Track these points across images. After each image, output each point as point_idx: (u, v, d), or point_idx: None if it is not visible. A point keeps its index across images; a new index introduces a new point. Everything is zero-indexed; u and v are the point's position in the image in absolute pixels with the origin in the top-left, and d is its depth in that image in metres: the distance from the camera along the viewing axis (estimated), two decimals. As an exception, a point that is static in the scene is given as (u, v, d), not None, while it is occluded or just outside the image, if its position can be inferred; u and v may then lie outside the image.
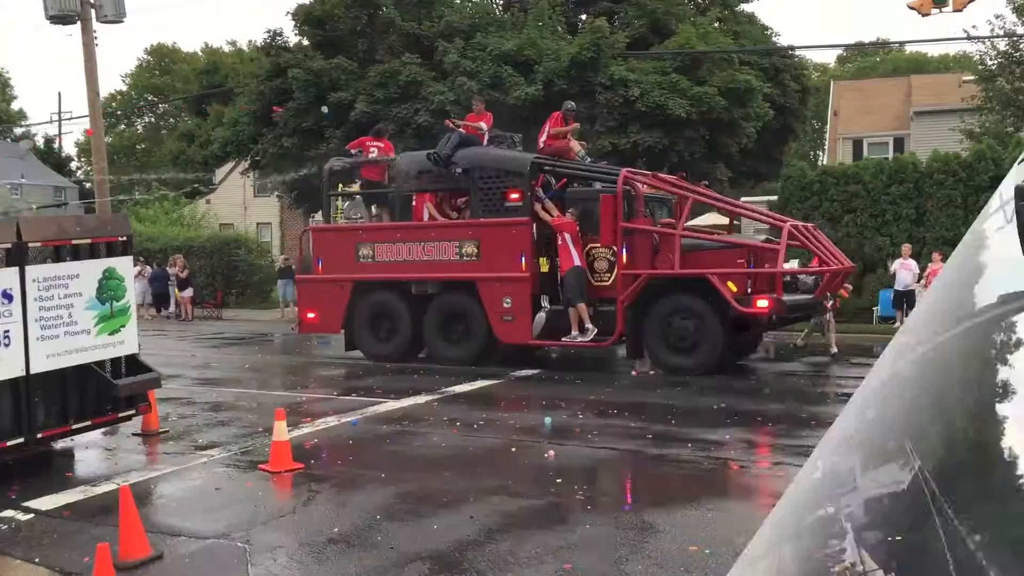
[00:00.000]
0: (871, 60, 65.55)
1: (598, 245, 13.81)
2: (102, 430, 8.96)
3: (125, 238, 8.48)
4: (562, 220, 13.84)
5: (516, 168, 14.35)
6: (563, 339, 13.96)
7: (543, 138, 15.30)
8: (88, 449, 8.99)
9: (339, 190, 16.78)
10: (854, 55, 66.84)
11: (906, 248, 19.12)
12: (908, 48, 59.62)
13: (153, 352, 16.20)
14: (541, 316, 14.23)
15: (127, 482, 7.22)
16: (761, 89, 23.62)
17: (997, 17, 26.53)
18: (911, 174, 20.57)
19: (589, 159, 15.73)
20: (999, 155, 19.98)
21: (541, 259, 14.30)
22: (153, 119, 67.99)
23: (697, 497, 6.82)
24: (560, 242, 13.75)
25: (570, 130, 15.52)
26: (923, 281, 19.22)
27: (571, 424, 9.74)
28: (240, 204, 45.68)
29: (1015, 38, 25.89)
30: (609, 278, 13.73)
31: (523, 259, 13.94)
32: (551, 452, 8.28)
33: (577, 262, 13.61)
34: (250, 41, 50.86)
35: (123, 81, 67.86)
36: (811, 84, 34.09)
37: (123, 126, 67.55)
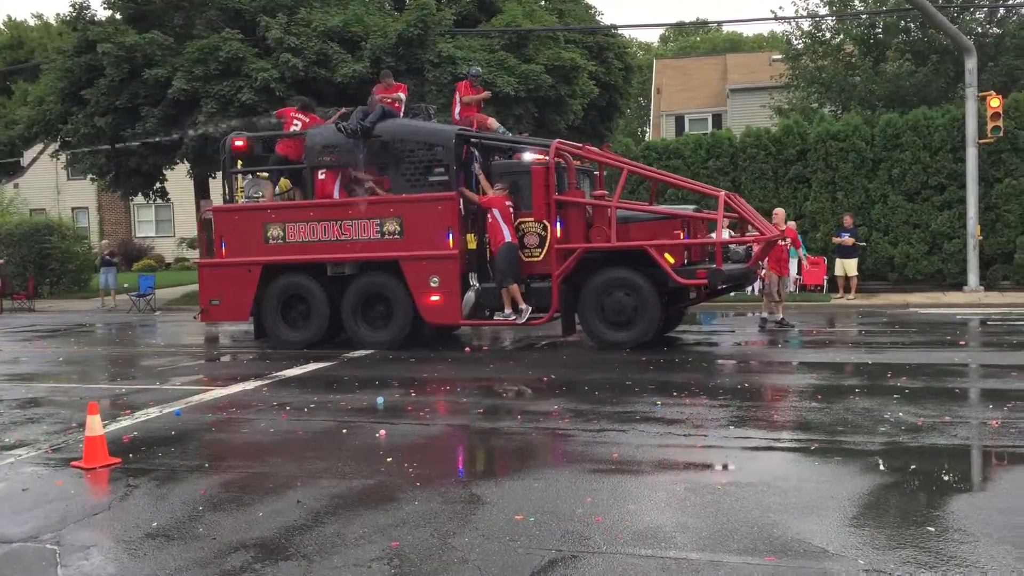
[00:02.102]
0: (692, 40, 68.22)
1: (529, 219, 13.36)
2: None
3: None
4: (490, 197, 13.30)
5: (440, 140, 13.75)
6: (496, 317, 13.53)
7: (456, 109, 14.76)
8: None
9: (240, 167, 15.53)
10: (676, 34, 69.38)
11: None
12: (726, 28, 62.55)
13: (-46, 349, 15.15)
14: (470, 295, 13.61)
15: (-79, 489, 6.72)
16: (586, 67, 24.19)
17: (802, -1, 28.24)
18: (727, 149, 21.65)
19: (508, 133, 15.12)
20: (805, 130, 21.29)
21: (469, 235, 13.72)
22: (-51, 97, 62.70)
23: (524, 467, 6.98)
24: (490, 219, 13.25)
25: (482, 98, 15.12)
26: (739, 250, 20.29)
27: (404, 403, 9.74)
28: (52, 188, 42.98)
29: (817, 18, 27.58)
30: (540, 253, 13.32)
31: (450, 236, 13.40)
32: (382, 431, 8.26)
33: (509, 238, 13.15)
34: (58, 14, 47.71)
35: (-88, 56, 62.07)
36: (635, 62, 35.17)
37: (-85, 104, 61.96)
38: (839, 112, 26.43)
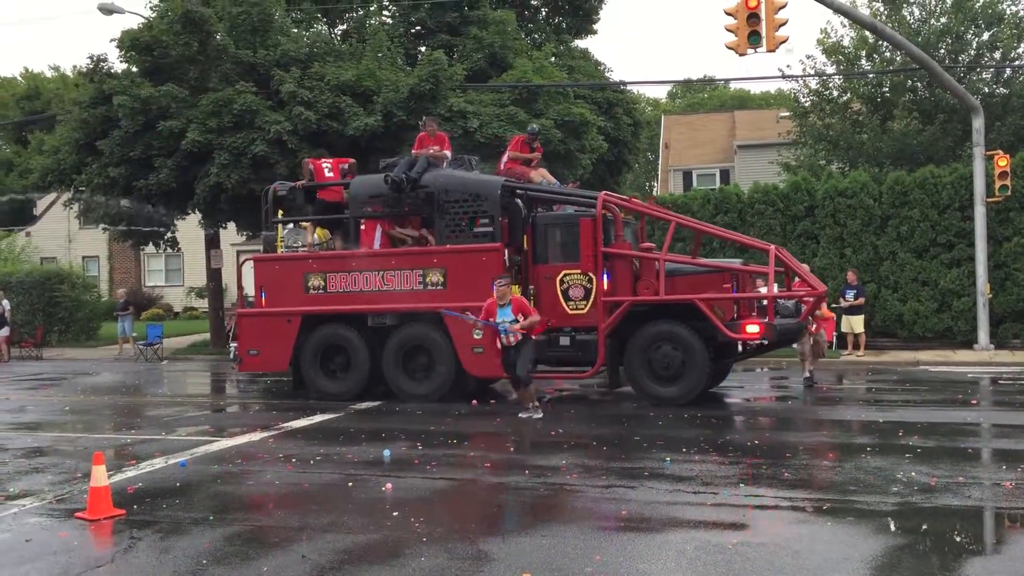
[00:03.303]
0: (699, 96, 68.87)
1: (575, 272, 13.27)
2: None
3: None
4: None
5: (485, 191, 13.74)
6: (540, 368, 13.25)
7: (503, 160, 14.80)
8: None
9: (282, 216, 15.46)
10: (683, 91, 70.07)
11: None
12: (733, 85, 63.19)
13: (-39, 396, 15.13)
14: None
15: (-76, 539, 6.67)
16: (595, 122, 24.41)
17: (808, 57, 28.53)
18: (735, 204, 21.72)
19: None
20: (812, 186, 21.36)
21: (514, 287, 13.44)
22: (-34, 146, 63.41)
23: (532, 523, 6.90)
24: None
25: (531, 158, 15.03)
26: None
27: (410, 456, 9.67)
28: (64, 237, 43.31)
29: (824, 77, 27.86)
30: (585, 306, 13.17)
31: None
32: (388, 485, 8.20)
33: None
34: (74, 66, 48.41)
35: (-69, 106, 63.00)
36: (643, 118, 35.49)
37: (-68, 153, 62.67)
38: (847, 169, 26.54)
